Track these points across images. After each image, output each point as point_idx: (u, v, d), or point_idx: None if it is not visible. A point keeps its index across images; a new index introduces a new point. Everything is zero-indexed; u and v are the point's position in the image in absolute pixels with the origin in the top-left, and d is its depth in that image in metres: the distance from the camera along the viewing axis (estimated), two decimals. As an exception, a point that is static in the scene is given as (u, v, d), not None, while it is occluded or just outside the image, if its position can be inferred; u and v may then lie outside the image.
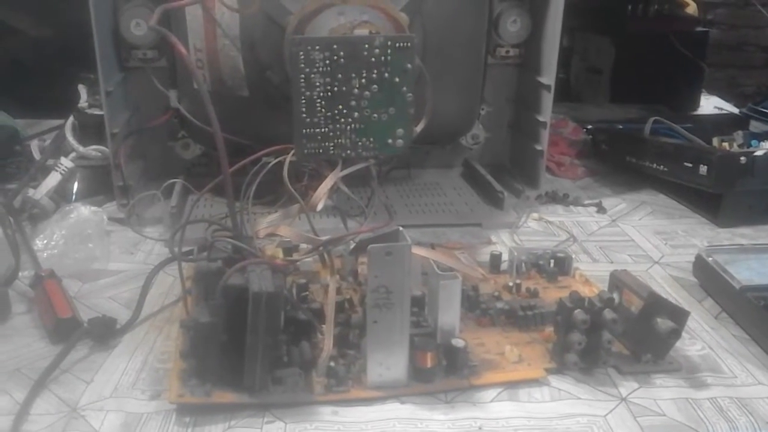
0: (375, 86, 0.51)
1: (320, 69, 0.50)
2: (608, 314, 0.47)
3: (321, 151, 0.52)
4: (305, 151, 0.52)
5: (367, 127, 0.52)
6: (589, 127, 0.95)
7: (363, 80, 0.51)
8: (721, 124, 0.99)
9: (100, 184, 0.75)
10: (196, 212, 0.69)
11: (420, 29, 0.67)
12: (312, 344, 0.47)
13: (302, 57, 0.50)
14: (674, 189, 0.80)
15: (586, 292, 0.56)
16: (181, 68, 0.72)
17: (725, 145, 0.80)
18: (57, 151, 0.78)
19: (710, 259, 0.60)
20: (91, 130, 0.76)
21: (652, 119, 0.86)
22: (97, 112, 0.75)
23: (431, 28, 0.69)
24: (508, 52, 0.81)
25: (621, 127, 0.94)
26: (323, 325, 0.48)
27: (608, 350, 0.49)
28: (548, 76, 0.75)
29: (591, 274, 0.60)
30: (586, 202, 0.79)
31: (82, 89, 0.80)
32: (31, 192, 0.71)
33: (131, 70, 0.76)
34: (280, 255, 0.58)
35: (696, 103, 1.19)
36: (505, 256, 0.61)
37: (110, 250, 0.65)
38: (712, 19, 1.52)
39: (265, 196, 0.60)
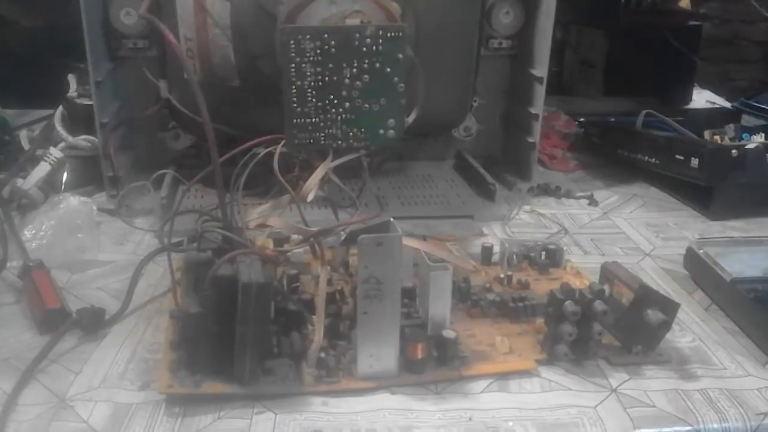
0: (366, 76, 0.51)
1: (311, 58, 0.50)
2: (599, 306, 0.47)
3: (312, 141, 0.52)
4: (296, 141, 0.52)
5: (358, 118, 0.52)
6: (582, 120, 0.95)
7: (354, 70, 0.50)
8: (713, 118, 0.99)
9: (90, 174, 0.74)
10: (186, 203, 0.69)
11: (412, 19, 0.67)
12: (302, 335, 0.47)
13: (293, 46, 0.50)
14: (666, 182, 0.80)
15: (577, 283, 0.56)
16: (172, 58, 0.72)
17: (717, 138, 0.80)
18: (46, 141, 0.78)
19: (701, 251, 0.60)
20: (80, 120, 0.76)
21: (644, 112, 0.86)
22: (86, 101, 0.75)
23: (423, 18, 0.69)
24: (500, 43, 0.80)
25: (613, 120, 0.94)
26: (314, 316, 0.47)
27: (599, 342, 0.49)
28: (541, 69, 0.75)
29: (582, 266, 0.60)
30: (578, 194, 0.79)
31: (72, 79, 0.79)
32: (19, 182, 0.71)
33: (121, 59, 0.75)
34: (271, 246, 0.58)
35: (688, 97, 1.19)
36: (496, 248, 0.61)
37: (100, 240, 0.64)
38: (705, 13, 1.52)
39: (256, 187, 0.60)
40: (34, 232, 0.62)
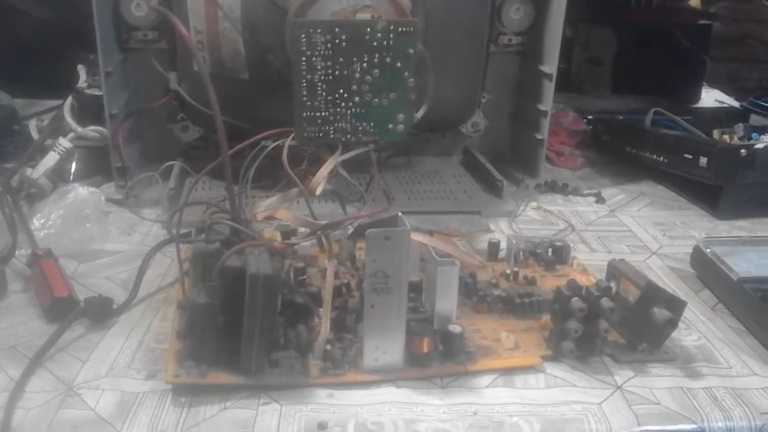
0: (376, 71, 0.51)
1: (321, 52, 0.50)
2: (605, 303, 0.47)
3: (321, 134, 0.52)
4: (305, 134, 0.52)
5: (368, 112, 0.52)
6: (590, 117, 0.95)
7: (364, 64, 0.51)
8: (722, 118, 0.98)
9: (98, 164, 0.75)
10: (194, 194, 0.69)
11: (422, 15, 0.67)
12: (309, 328, 0.47)
13: (304, 40, 0.50)
14: (673, 180, 0.80)
15: (583, 281, 0.56)
16: (182, 50, 0.72)
17: (726, 137, 0.80)
18: (55, 131, 0.78)
19: (708, 250, 0.60)
20: (89, 111, 0.76)
21: (652, 110, 0.86)
22: (96, 92, 0.75)
23: (434, 14, 0.69)
24: (510, 40, 0.80)
25: (622, 117, 0.94)
26: (320, 309, 0.48)
27: (604, 339, 0.49)
28: (550, 65, 0.74)
29: (589, 264, 0.60)
30: (585, 192, 0.79)
31: (82, 70, 0.79)
32: (28, 171, 0.71)
33: (131, 51, 0.75)
34: (279, 238, 0.58)
35: (697, 96, 1.19)
36: (503, 244, 0.61)
37: (108, 230, 0.64)
38: (714, 12, 1.52)
39: (264, 180, 0.60)
40: (42, 221, 0.62)
